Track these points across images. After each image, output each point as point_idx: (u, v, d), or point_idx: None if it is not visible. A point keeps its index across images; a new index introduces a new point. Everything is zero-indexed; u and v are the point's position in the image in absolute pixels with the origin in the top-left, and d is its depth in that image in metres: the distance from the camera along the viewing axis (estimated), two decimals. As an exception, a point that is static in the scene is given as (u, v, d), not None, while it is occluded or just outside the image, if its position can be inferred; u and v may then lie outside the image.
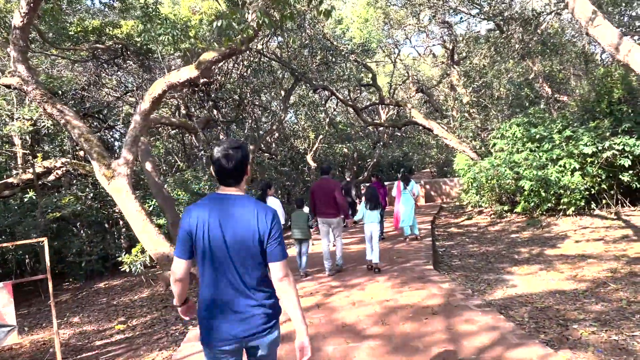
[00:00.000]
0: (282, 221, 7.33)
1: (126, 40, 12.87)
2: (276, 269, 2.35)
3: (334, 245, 8.25)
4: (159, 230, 8.99)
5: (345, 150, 26.16)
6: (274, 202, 7.57)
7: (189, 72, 8.56)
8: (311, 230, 8.07)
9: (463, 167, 17.95)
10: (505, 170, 12.37)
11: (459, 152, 18.55)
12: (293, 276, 2.42)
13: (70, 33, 12.35)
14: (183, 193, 12.65)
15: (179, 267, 2.40)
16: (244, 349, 2.44)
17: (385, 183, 15.00)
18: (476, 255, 9.46)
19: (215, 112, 17.96)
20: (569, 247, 9.27)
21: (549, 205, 12.08)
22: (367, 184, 16.35)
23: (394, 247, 10.24)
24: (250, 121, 21.23)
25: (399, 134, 33.26)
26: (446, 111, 22.22)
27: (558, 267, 7.82)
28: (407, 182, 10.68)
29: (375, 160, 25.43)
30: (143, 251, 9.05)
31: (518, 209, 12.81)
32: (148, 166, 10.01)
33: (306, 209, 8.34)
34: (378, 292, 6.33)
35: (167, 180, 13.18)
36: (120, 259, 8.94)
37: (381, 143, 27.82)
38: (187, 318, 2.68)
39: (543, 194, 12.01)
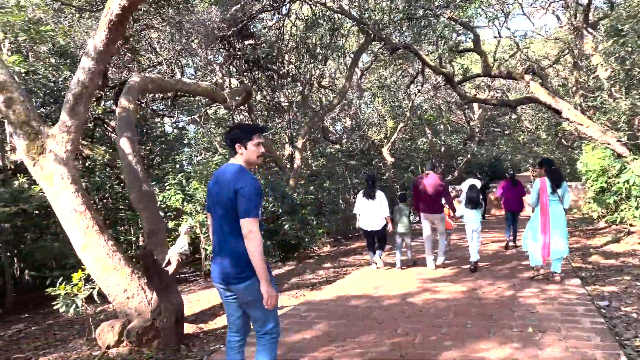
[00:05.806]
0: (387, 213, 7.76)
1: None
2: (241, 224, 2.82)
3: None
4: (116, 246, 5.41)
5: (427, 142, 21.60)
6: (381, 195, 7.79)
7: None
8: (412, 224, 8.22)
9: (593, 167, 13.07)
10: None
11: (590, 147, 13.54)
12: (259, 234, 2.81)
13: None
14: (182, 195, 9.00)
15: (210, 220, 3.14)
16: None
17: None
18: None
19: (279, 94, 14.50)
20: None
21: None
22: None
23: (517, 295, 5.92)
24: (316, 106, 17.53)
25: (497, 129, 27.94)
26: (566, 96, 17.17)
27: None
28: (557, 182, 6.29)
29: (468, 157, 20.68)
30: (89, 279, 5.50)
31: None
32: (124, 143, 6.43)
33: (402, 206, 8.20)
34: None
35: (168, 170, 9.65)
36: (49, 291, 5.40)
37: (476, 138, 22.99)
38: None
39: None
